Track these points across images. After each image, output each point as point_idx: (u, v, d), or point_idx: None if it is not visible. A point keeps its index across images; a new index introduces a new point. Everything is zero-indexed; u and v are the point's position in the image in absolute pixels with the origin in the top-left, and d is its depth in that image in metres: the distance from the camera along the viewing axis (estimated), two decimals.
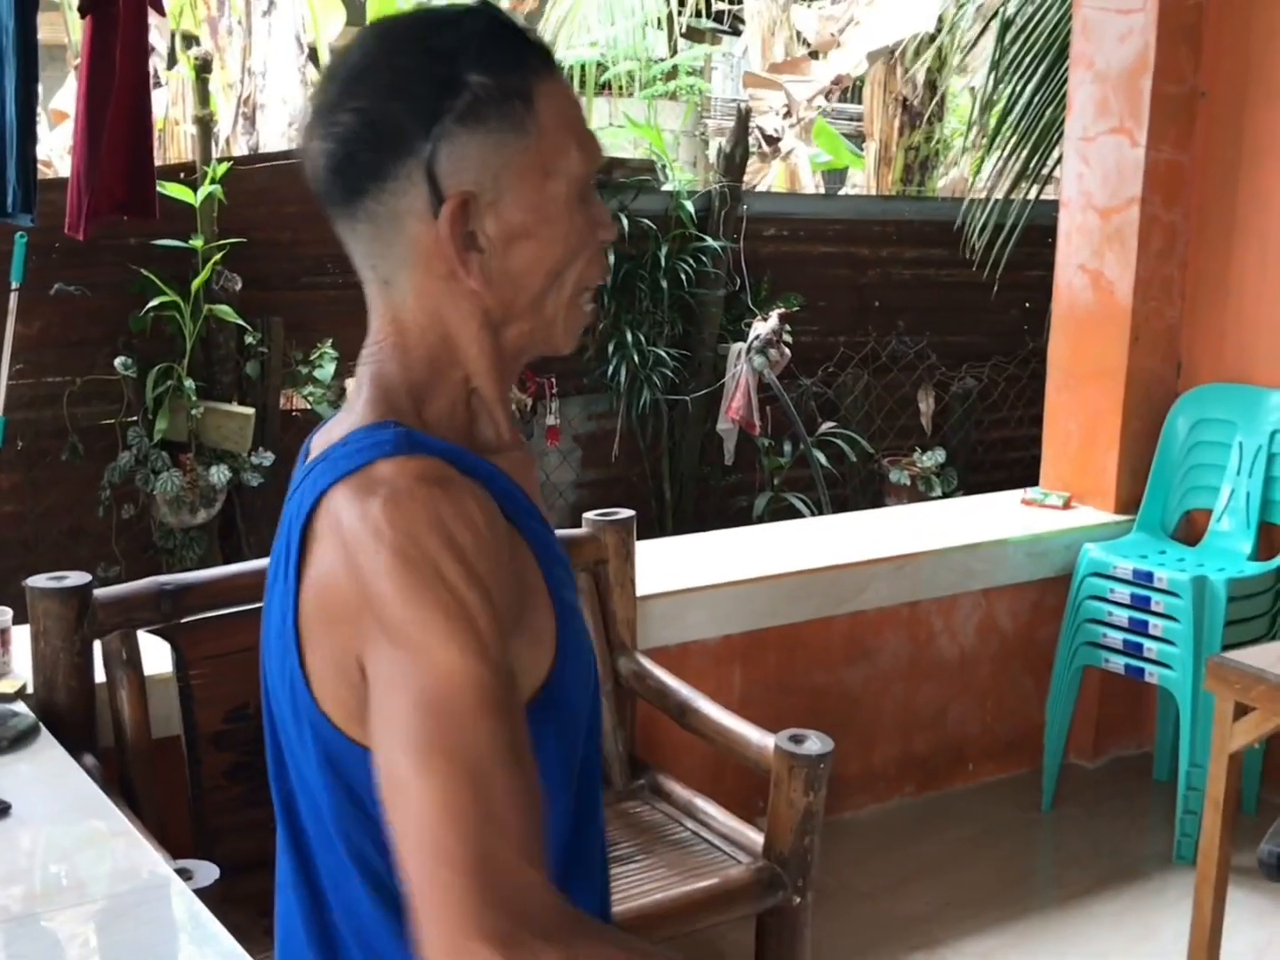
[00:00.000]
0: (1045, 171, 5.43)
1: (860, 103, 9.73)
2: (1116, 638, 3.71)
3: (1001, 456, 6.84)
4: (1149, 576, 3.62)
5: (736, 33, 11.57)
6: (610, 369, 5.62)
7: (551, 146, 1.09)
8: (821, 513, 5.73)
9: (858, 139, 9.72)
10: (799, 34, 10.12)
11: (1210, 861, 2.58)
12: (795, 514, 5.77)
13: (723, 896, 2.42)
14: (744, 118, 5.95)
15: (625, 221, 5.47)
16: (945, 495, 6.14)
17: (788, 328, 5.80)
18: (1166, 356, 4.05)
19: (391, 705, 0.98)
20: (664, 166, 5.92)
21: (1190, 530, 3.97)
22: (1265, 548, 3.78)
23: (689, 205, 5.72)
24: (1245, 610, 3.59)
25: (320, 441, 1.17)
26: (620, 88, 8.45)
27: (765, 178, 8.75)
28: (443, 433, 1.11)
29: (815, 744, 2.45)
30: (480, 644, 0.98)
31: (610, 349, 5.60)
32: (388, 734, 0.98)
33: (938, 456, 6.38)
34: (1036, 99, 5.34)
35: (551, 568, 1.12)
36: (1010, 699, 4.03)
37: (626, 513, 2.97)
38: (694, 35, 11.50)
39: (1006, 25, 5.43)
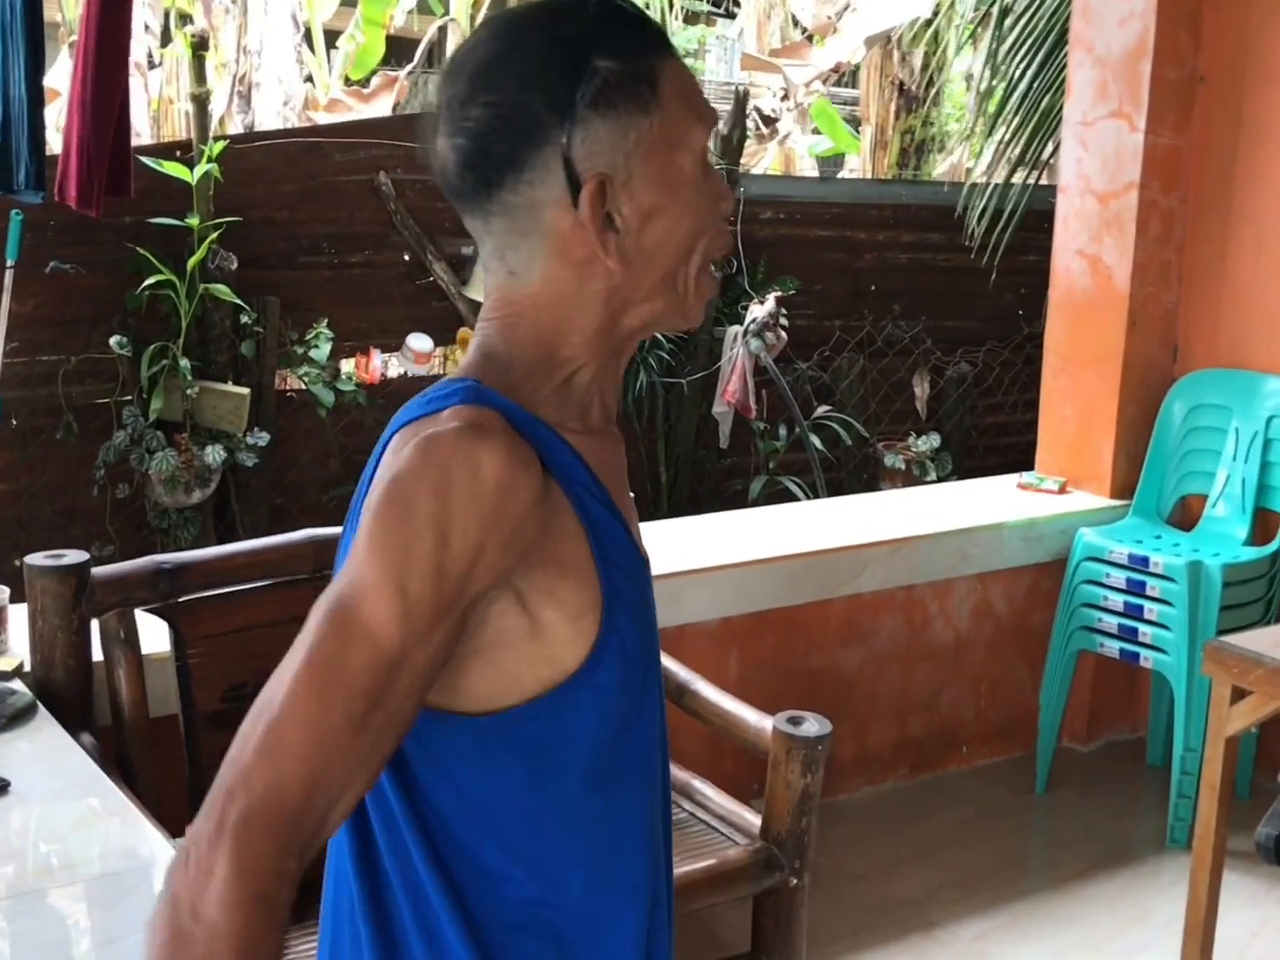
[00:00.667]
0: (1044, 157, 5.43)
1: (856, 87, 9.71)
2: (1111, 622, 3.71)
3: (995, 441, 6.85)
4: (1144, 561, 3.63)
5: (731, 15, 11.55)
6: None
7: (675, 122, 1.12)
8: (816, 496, 5.74)
9: (853, 123, 9.71)
10: (794, 18, 10.10)
11: (1206, 845, 2.59)
12: (790, 497, 5.78)
13: (720, 877, 2.42)
14: (742, 100, 5.94)
15: None
16: (940, 480, 6.14)
17: (784, 311, 5.80)
18: (1163, 341, 4.05)
19: (317, 614, 1.02)
20: None
21: (1186, 515, 3.97)
22: (1261, 533, 3.79)
23: None
24: (1240, 595, 3.59)
25: None
26: None
27: (761, 161, 8.73)
28: (527, 405, 1.12)
29: (813, 726, 2.45)
30: (402, 605, 1.01)
31: None
32: (302, 636, 1.02)
33: (932, 441, 6.39)
34: (1035, 85, 5.33)
35: (608, 551, 1.13)
36: (1005, 682, 4.04)
37: None
38: (689, 17, 11.47)
39: (1005, 12, 5.42)
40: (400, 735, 1.05)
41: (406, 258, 5.39)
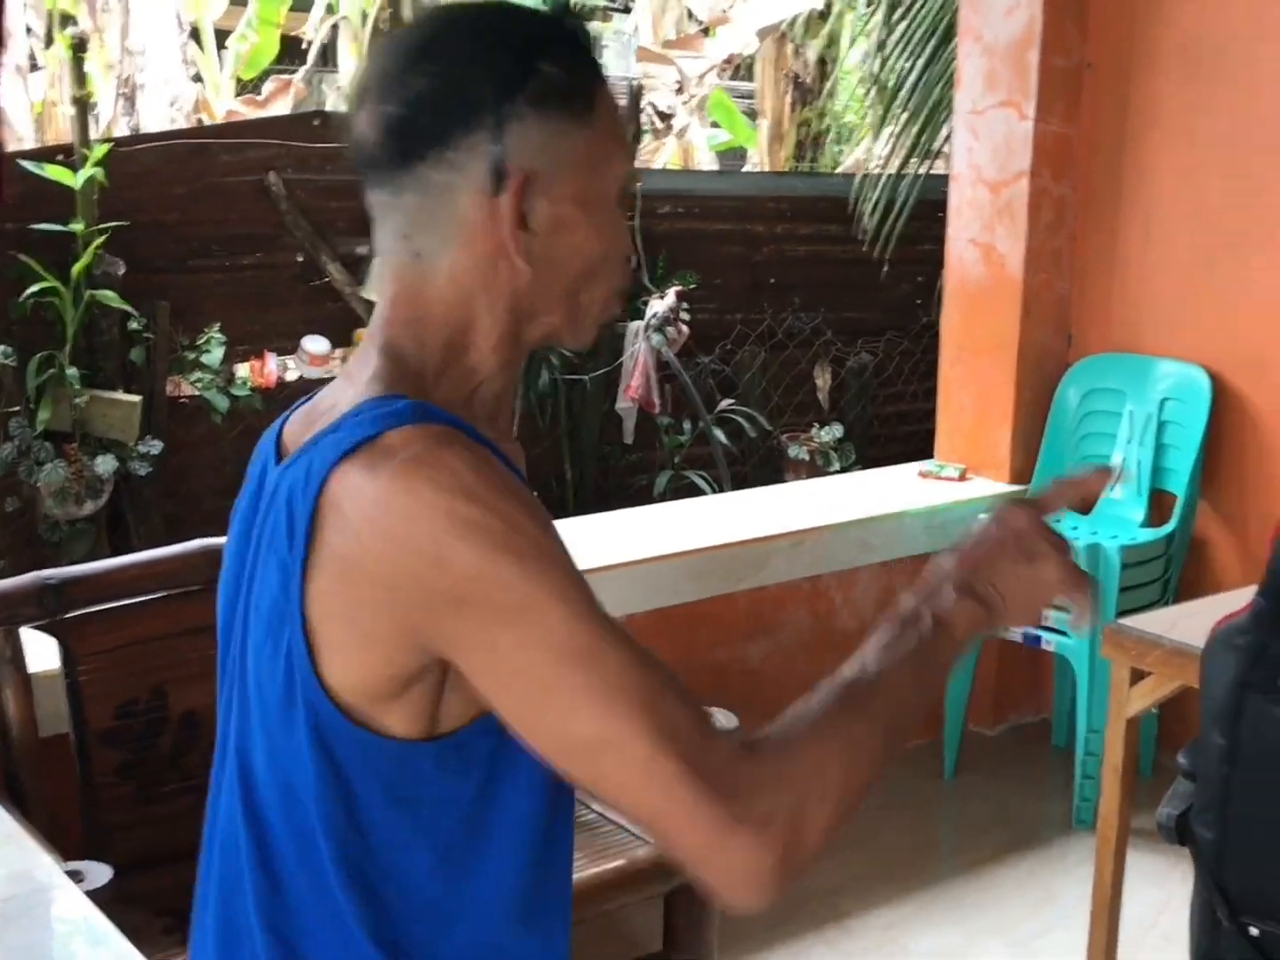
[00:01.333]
0: (935, 147, 5.47)
1: (752, 80, 9.74)
2: None
3: (897, 430, 6.90)
4: None
5: (627, 10, 11.54)
6: None
7: (604, 144, 1.14)
8: (721, 490, 5.74)
9: (751, 116, 9.74)
10: (690, 11, 10.11)
11: (1110, 826, 2.62)
12: (696, 492, 5.78)
13: (630, 877, 2.40)
14: (636, 95, 5.93)
15: None
16: (843, 470, 6.18)
17: (685, 305, 5.79)
18: (1057, 328, 4.10)
19: (524, 672, 1.00)
20: None
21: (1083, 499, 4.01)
22: (1157, 514, 3.84)
23: None
24: (1138, 576, 3.64)
25: (304, 416, 1.18)
26: None
27: (660, 156, 8.73)
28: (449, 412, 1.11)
29: (720, 720, 2.44)
30: (571, 583, 1.01)
31: None
32: (537, 699, 1.01)
33: (835, 431, 6.43)
34: (926, 76, 5.38)
35: None
36: None
37: None
38: (584, 13, 11.42)
39: (894, 5, 5.46)
40: None
41: (300, 259, 5.31)
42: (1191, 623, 2.27)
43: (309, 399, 1.22)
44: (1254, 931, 2.12)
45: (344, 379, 1.16)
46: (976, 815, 3.74)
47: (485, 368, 1.14)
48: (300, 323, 5.30)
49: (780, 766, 1.02)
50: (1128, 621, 2.57)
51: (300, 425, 1.17)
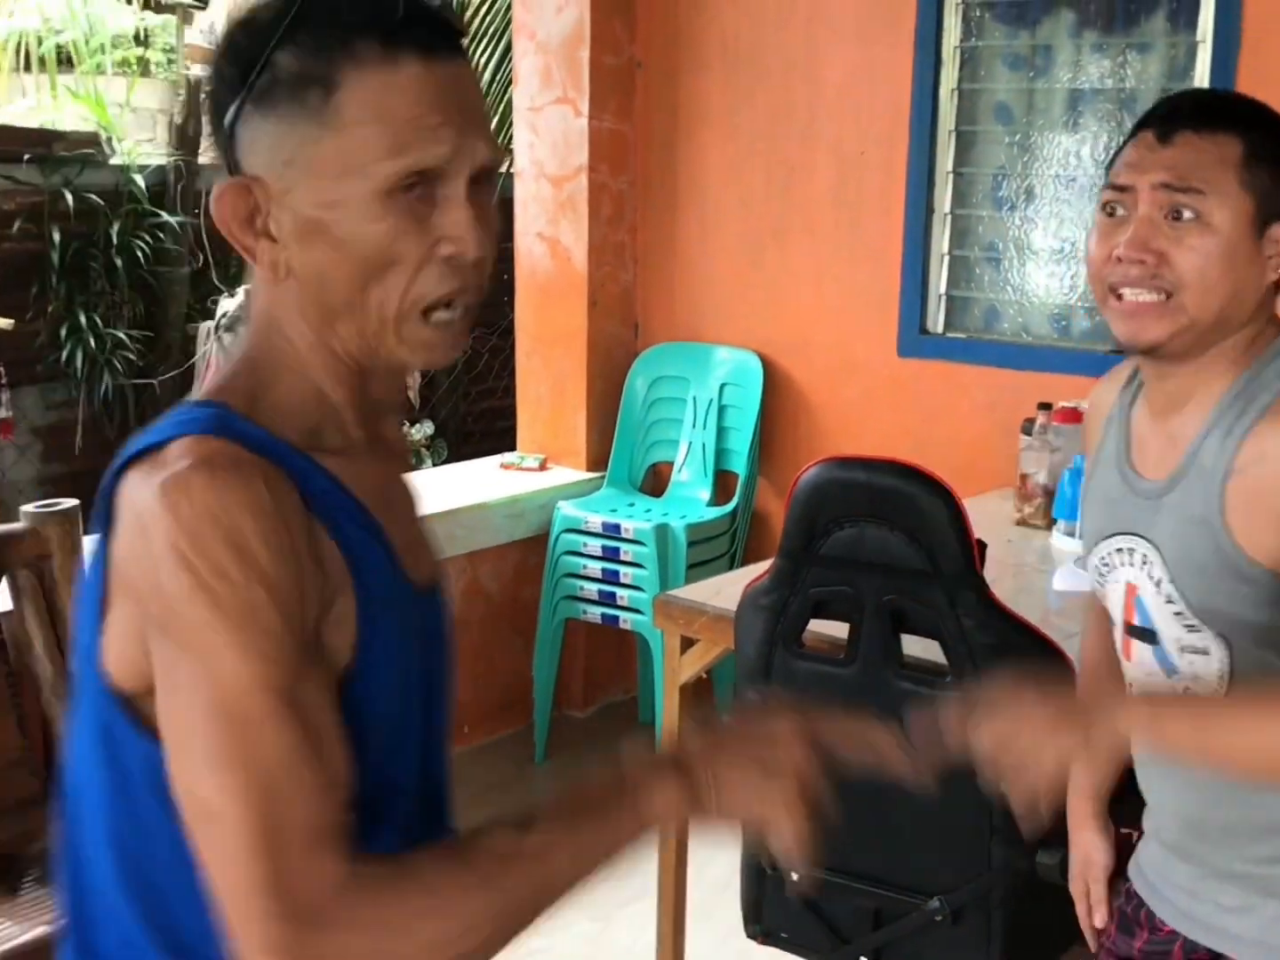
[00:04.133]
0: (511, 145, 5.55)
1: None
2: (592, 589, 3.85)
3: (491, 426, 6.94)
4: (617, 528, 3.78)
5: (204, 5, 11.16)
6: (65, 354, 5.30)
7: (353, 140, 1.01)
8: None
9: None
10: None
11: None
12: None
13: None
14: (194, 89, 5.73)
15: (70, 198, 5.26)
16: (437, 467, 6.17)
17: None
18: (624, 319, 4.23)
19: (184, 715, 0.97)
20: (109, 140, 5.61)
21: (656, 482, 4.17)
22: (723, 493, 4.03)
23: (140, 180, 5.47)
24: (704, 553, 3.81)
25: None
26: (71, 59, 7.98)
27: None
28: (274, 423, 1.05)
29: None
30: (265, 642, 0.96)
31: (63, 333, 5.28)
32: (184, 745, 0.98)
33: (426, 429, 6.41)
34: (499, 76, 5.45)
35: (366, 563, 1.06)
36: (500, 659, 4.10)
37: (70, 503, 2.78)
38: (166, 9, 11.00)
39: (463, 6, 5.50)
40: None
41: None
42: (734, 590, 2.38)
43: None
44: (794, 877, 2.25)
45: None
46: None
47: (311, 371, 1.08)
48: None
49: (379, 910, 0.96)
50: (675, 593, 2.68)
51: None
